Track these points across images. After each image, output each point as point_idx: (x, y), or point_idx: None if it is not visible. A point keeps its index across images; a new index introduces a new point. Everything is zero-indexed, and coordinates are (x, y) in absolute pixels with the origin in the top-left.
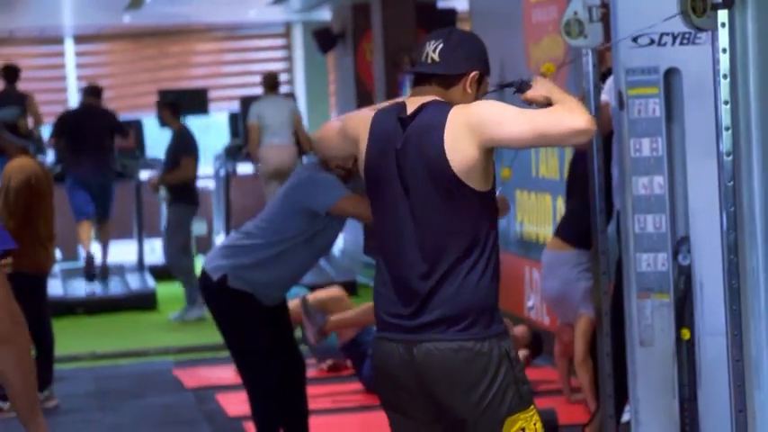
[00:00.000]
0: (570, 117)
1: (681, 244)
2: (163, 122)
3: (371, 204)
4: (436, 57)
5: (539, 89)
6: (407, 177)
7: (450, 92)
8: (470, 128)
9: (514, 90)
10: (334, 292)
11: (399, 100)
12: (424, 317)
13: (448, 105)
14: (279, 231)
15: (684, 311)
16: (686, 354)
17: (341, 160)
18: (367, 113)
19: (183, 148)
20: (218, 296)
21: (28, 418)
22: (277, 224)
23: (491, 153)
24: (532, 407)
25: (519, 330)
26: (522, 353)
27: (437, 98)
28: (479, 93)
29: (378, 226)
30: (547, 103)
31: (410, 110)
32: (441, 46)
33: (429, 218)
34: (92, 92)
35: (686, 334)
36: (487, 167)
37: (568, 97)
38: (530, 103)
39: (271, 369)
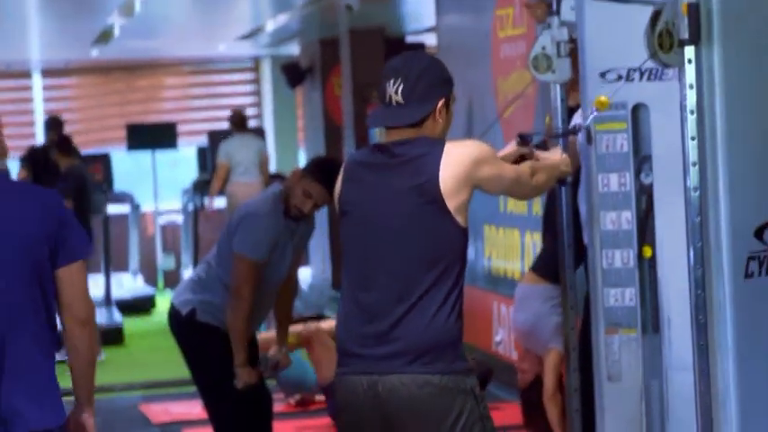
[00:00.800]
0: (535, 190)
1: (643, 162)
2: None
3: (342, 230)
4: (400, 98)
5: (552, 158)
6: (388, 206)
7: (423, 127)
8: (472, 162)
9: (536, 144)
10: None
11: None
12: (389, 346)
13: (438, 140)
14: (228, 261)
15: (646, 229)
16: (648, 272)
17: (299, 203)
18: None
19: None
20: (186, 330)
21: (89, 398)
22: (226, 253)
23: (471, 194)
24: None
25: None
26: None
27: (418, 134)
28: (449, 113)
29: (349, 252)
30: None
31: (389, 146)
32: (401, 86)
33: (407, 246)
34: (55, 125)
35: (648, 251)
36: (467, 207)
37: (550, 172)
38: (523, 158)
39: (237, 404)
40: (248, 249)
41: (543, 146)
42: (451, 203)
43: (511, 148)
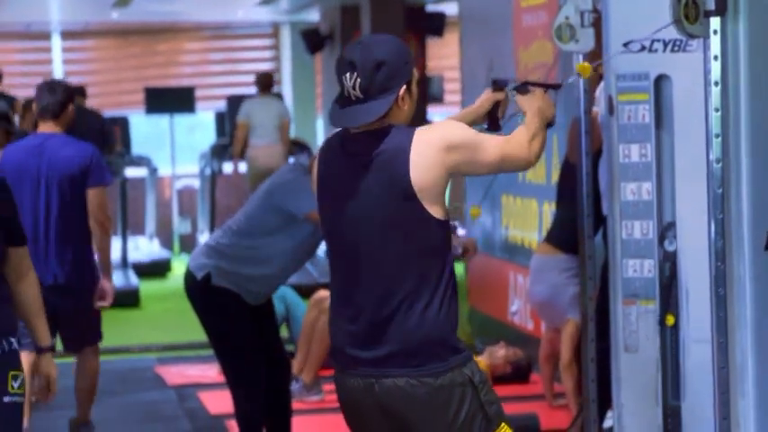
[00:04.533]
0: (525, 147)
1: (667, 230)
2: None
3: (324, 232)
4: (359, 93)
5: (531, 102)
6: (365, 204)
7: (388, 116)
8: (448, 149)
9: (513, 87)
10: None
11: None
12: (380, 349)
13: (408, 129)
14: (258, 228)
15: (670, 298)
16: (670, 345)
17: None
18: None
19: None
20: (202, 294)
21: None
22: (257, 221)
23: (448, 180)
24: (503, 423)
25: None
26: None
27: (385, 123)
28: (412, 96)
29: (332, 254)
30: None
31: (359, 138)
32: (358, 80)
33: (386, 245)
34: (78, 92)
35: (671, 320)
36: (444, 194)
37: (537, 123)
38: (498, 104)
39: (255, 368)
40: (311, 206)
41: (522, 91)
42: (425, 196)
43: (485, 95)
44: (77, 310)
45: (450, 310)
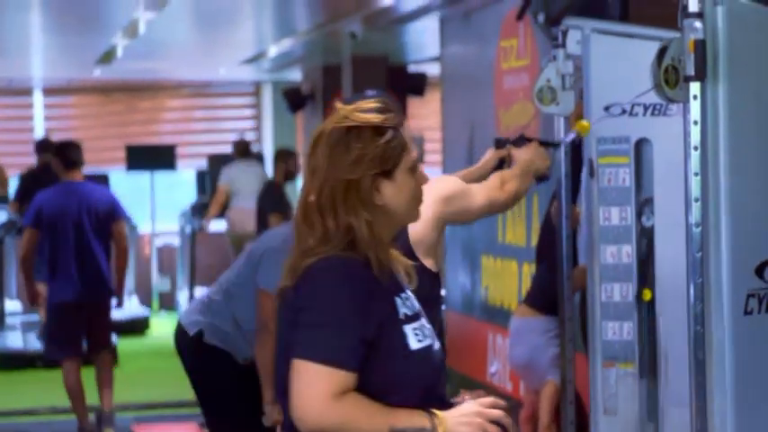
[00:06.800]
0: (498, 188)
1: (644, 205)
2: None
3: None
4: None
5: (523, 153)
6: None
7: None
8: (437, 203)
9: (511, 142)
10: None
11: None
12: None
13: None
14: (246, 288)
15: (647, 272)
16: (646, 313)
17: None
18: None
19: None
20: (192, 351)
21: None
22: (243, 279)
23: (443, 231)
24: None
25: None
26: None
27: None
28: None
29: None
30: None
31: None
32: None
33: None
34: (48, 148)
35: (648, 294)
36: (439, 246)
37: (516, 170)
38: (502, 163)
39: (242, 429)
40: (273, 285)
41: (519, 143)
42: (419, 249)
43: (489, 153)
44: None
45: None
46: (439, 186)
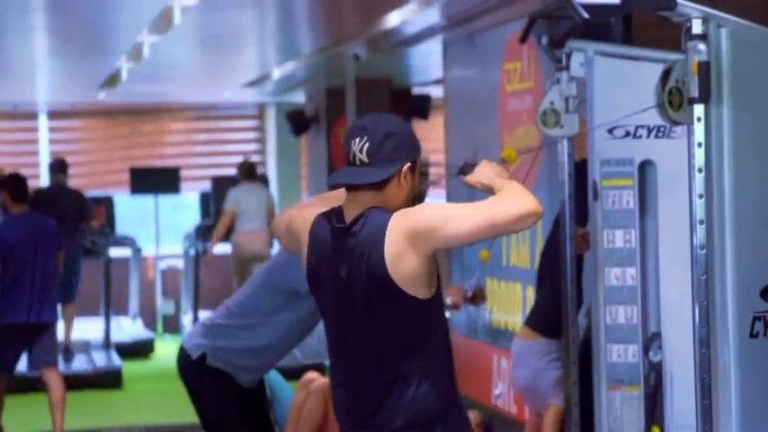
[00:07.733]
0: (515, 202)
1: (652, 340)
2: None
3: (314, 297)
4: (364, 157)
5: (480, 173)
6: (348, 290)
7: (385, 191)
8: (415, 236)
9: (456, 172)
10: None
11: (336, 206)
12: (376, 429)
13: (387, 214)
14: (259, 309)
15: (655, 408)
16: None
17: None
18: (311, 217)
19: None
20: (195, 375)
21: None
22: (258, 301)
23: (434, 257)
24: None
25: (471, 416)
26: None
27: (374, 205)
28: (414, 179)
29: (326, 331)
30: (488, 189)
31: (348, 218)
32: (366, 145)
33: (371, 329)
34: (61, 168)
35: (656, 431)
36: (431, 273)
37: (511, 183)
38: (472, 188)
39: None
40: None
41: (466, 171)
42: (403, 283)
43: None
44: None
45: (441, 389)
46: (411, 219)
